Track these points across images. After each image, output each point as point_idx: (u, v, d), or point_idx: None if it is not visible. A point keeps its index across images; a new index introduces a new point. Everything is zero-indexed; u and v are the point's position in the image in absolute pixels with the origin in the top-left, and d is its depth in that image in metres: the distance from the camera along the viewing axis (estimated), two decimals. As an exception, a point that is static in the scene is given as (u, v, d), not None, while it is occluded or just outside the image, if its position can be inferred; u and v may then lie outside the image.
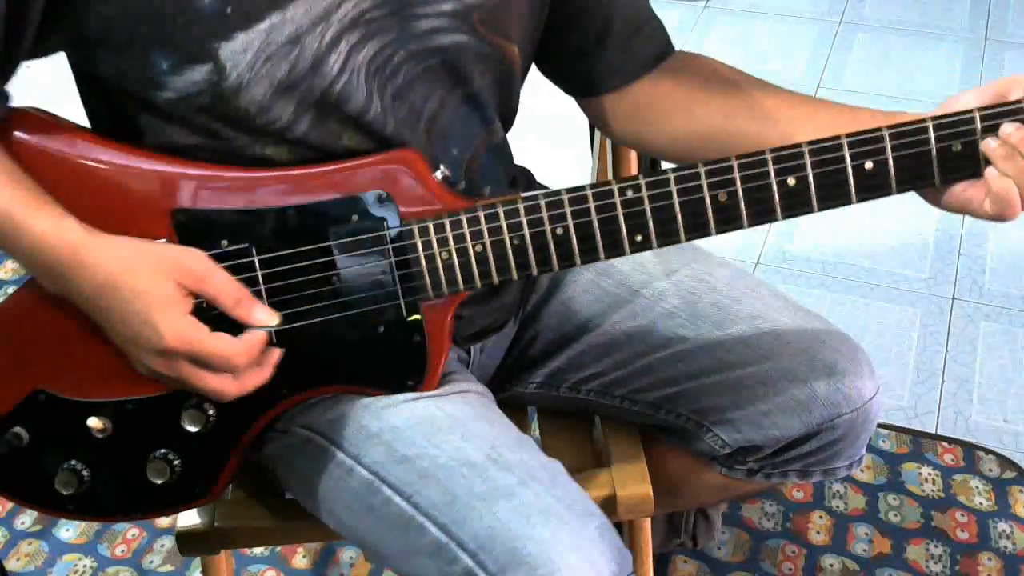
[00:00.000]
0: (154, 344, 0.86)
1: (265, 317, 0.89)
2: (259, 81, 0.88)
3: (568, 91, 1.12)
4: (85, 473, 0.97)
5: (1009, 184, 0.86)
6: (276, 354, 0.92)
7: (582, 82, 1.09)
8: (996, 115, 0.86)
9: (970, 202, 0.89)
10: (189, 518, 1.11)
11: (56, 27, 0.86)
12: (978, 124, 0.85)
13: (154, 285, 0.85)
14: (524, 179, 1.14)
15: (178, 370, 0.88)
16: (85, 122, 0.97)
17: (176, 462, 0.97)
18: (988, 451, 1.75)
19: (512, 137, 1.09)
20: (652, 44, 1.07)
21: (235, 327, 0.89)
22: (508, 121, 1.07)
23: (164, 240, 0.90)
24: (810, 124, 0.95)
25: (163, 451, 0.97)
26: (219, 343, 0.87)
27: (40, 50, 0.89)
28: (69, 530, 1.65)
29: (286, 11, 0.87)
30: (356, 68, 0.91)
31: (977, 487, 1.69)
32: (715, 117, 1.03)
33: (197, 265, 0.87)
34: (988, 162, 0.86)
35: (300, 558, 1.60)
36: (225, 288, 0.88)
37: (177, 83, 0.87)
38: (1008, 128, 0.85)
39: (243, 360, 0.88)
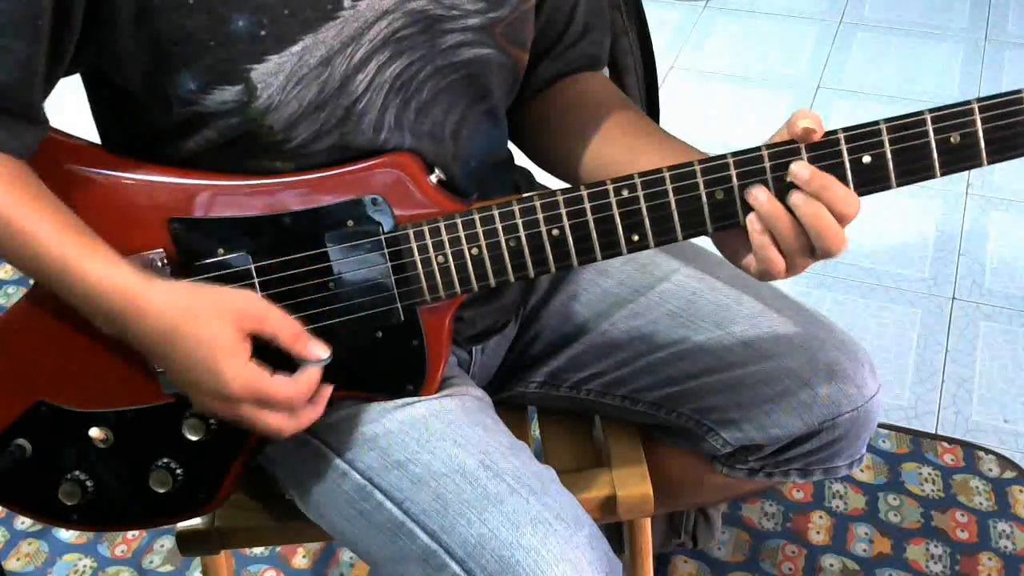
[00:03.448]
0: (218, 390, 0.85)
1: (320, 351, 0.88)
2: (288, 103, 0.88)
3: None
4: (88, 484, 0.97)
5: (766, 241, 0.86)
6: (327, 391, 0.91)
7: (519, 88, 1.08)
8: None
9: (736, 255, 0.89)
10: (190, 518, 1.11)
11: (90, 45, 0.86)
12: (733, 171, 0.86)
13: (216, 333, 0.84)
14: (525, 180, 1.14)
15: (239, 412, 0.87)
16: (82, 124, 0.97)
17: (178, 471, 0.97)
18: (988, 451, 1.75)
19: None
20: (581, 56, 1.08)
21: (286, 362, 0.88)
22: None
23: (158, 267, 0.90)
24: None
25: (165, 460, 0.97)
26: (281, 386, 0.86)
27: (70, 68, 0.89)
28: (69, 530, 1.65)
29: (319, 33, 0.87)
30: (380, 86, 0.91)
31: (977, 487, 1.69)
32: (598, 141, 1.02)
33: (254, 307, 0.87)
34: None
35: (300, 558, 1.60)
36: (283, 326, 0.87)
37: (205, 102, 0.87)
38: (761, 195, 0.85)
39: (303, 399, 0.88)
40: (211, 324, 0.84)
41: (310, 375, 0.88)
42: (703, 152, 0.95)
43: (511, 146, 1.10)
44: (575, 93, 1.08)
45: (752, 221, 0.86)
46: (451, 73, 0.95)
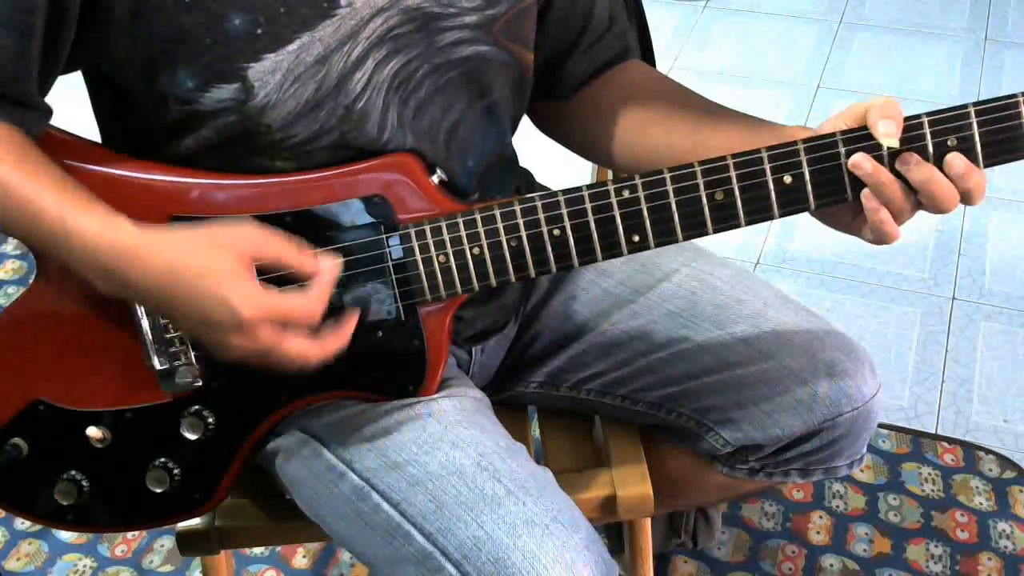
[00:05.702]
0: (230, 319, 0.82)
1: (331, 263, 0.87)
2: (286, 101, 0.88)
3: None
4: (84, 483, 0.97)
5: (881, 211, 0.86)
6: (352, 319, 0.90)
7: (548, 86, 1.08)
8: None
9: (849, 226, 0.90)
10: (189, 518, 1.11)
11: (87, 43, 0.86)
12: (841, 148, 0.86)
13: (215, 262, 0.82)
14: (525, 181, 1.14)
15: (259, 340, 0.84)
16: (82, 125, 0.97)
17: (176, 470, 0.97)
18: (988, 451, 1.75)
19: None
20: (611, 48, 1.08)
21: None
22: (516, 127, 1.07)
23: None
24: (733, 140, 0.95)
25: (163, 460, 0.97)
26: (295, 299, 0.84)
27: (68, 66, 0.89)
28: (69, 530, 1.65)
29: (315, 31, 0.87)
30: (379, 84, 0.91)
31: (977, 487, 1.69)
32: (658, 130, 1.02)
33: (250, 232, 0.85)
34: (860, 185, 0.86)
35: (300, 558, 1.60)
36: (283, 246, 0.86)
37: (203, 100, 0.87)
38: (867, 165, 0.85)
39: (319, 312, 0.86)
40: (209, 257, 0.83)
41: (323, 286, 0.86)
42: (771, 123, 0.95)
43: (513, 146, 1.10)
44: (622, 85, 1.07)
45: (867, 198, 0.86)
46: (449, 71, 0.95)
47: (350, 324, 0.89)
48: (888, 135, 0.83)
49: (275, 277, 0.86)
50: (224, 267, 0.83)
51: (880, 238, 0.87)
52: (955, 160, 0.84)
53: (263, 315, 0.83)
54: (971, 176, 0.84)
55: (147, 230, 0.84)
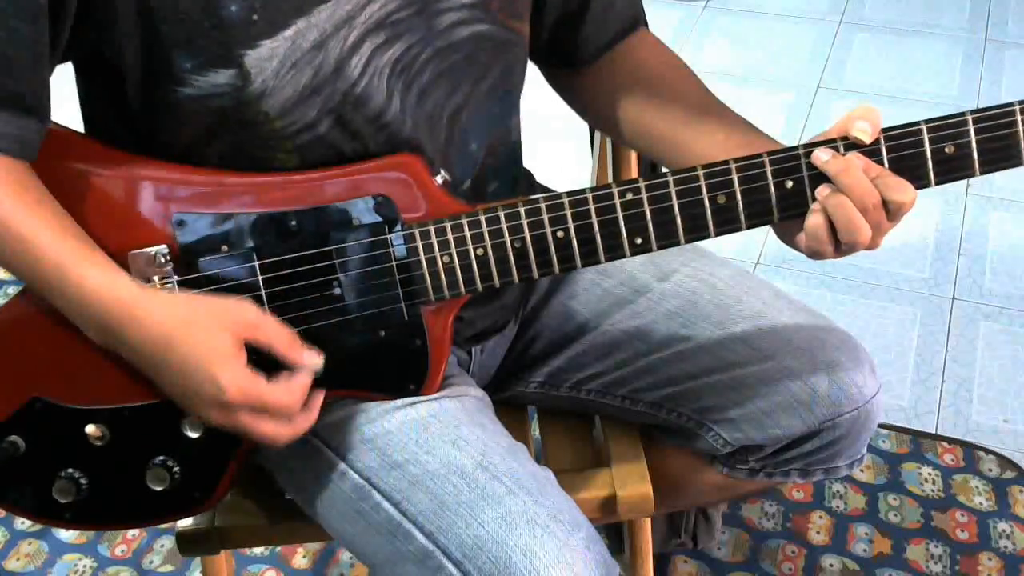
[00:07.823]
0: (216, 397, 0.85)
1: (315, 359, 0.89)
2: (283, 88, 0.88)
3: (542, 63, 1.12)
4: (83, 481, 0.96)
5: (819, 220, 0.87)
6: (320, 397, 0.92)
7: (560, 55, 1.09)
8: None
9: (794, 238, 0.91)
10: (189, 518, 1.11)
11: (88, 28, 0.86)
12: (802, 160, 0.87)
13: (211, 339, 0.85)
14: (525, 180, 1.14)
15: (236, 420, 0.87)
16: (75, 120, 0.97)
17: (175, 469, 0.97)
18: (988, 451, 1.75)
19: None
20: (624, 18, 1.08)
21: (274, 367, 0.89)
22: (517, 105, 1.07)
23: (172, 280, 0.90)
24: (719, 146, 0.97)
25: (162, 458, 0.96)
26: (278, 393, 0.87)
27: (68, 54, 0.89)
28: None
29: (311, 17, 0.87)
30: (379, 69, 0.91)
31: (977, 487, 1.69)
32: (653, 118, 1.04)
33: (249, 314, 0.87)
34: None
35: (300, 558, 1.60)
36: (277, 334, 0.88)
37: (200, 82, 0.87)
38: (823, 156, 0.86)
39: (298, 405, 0.88)
40: (206, 332, 0.85)
41: (303, 381, 0.89)
42: (760, 131, 0.96)
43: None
44: (629, 64, 1.08)
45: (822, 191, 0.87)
46: (451, 54, 0.94)
47: (317, 405, 0.92)
48: (862, 131, 0.85)
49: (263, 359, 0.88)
50: (219, 347, 0.85)
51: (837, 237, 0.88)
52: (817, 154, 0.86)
53: (245, 400, 0.85)
54: (848, 171, 0.85)
55: (147, 292, 0.86)
